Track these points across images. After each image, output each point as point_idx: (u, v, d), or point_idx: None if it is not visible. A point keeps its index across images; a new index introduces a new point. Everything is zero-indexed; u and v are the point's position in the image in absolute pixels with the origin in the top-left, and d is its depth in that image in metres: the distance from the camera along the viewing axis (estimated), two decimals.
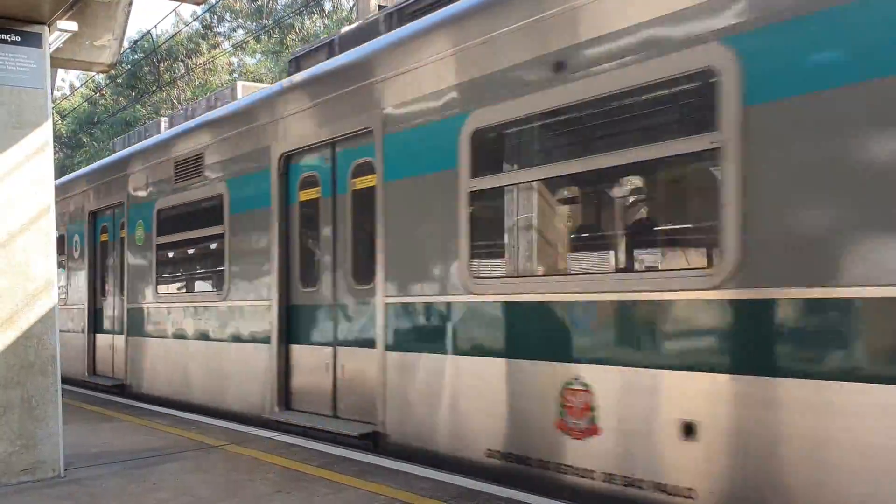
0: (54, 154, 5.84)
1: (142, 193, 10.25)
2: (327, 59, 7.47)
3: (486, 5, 5.50)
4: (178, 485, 5.32)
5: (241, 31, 31.08)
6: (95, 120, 33.35)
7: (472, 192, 5.44)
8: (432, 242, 5.73)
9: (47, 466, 5.54)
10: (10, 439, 5.41)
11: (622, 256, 4.92)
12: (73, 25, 5.82)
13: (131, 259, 10.53)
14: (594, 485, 4.67)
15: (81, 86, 34.75)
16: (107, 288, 11.77)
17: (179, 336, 9.25)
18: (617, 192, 4.98)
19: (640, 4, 4.50)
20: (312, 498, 4.88)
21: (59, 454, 5.60)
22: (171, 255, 9.73)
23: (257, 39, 28.84)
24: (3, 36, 5.50)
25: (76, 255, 12.42)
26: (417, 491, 4.91)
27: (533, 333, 5.07)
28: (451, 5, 5.90)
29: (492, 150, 5.50)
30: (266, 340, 7.47)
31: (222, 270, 8.27)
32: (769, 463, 3.92)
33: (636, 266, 4.78)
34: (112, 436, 7.24)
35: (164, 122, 11.13)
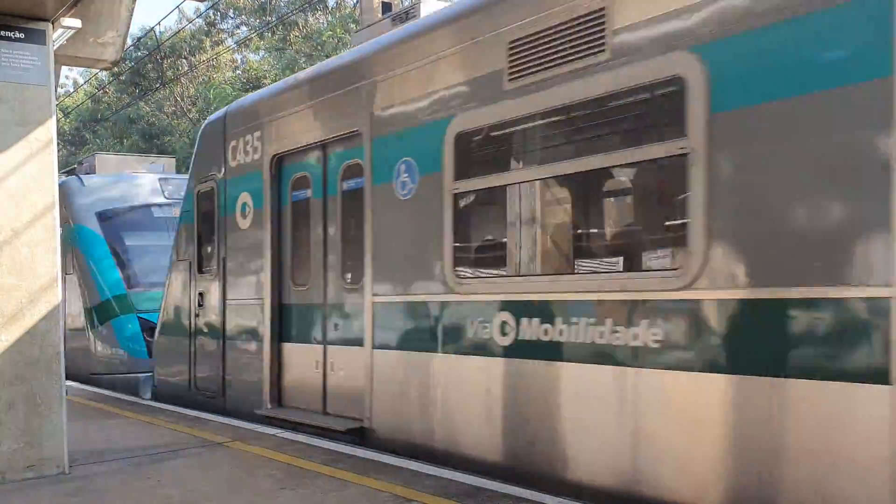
0: (58, 151, 5.84)
1: None
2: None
3: None
4: (183, 481, 5.33)
5: (244, 28, 31.09)
6: (99, 117, 33.40)
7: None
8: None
9: (52, 463, 5.56)
10: (14, 436, 5.42)
11: None
12: (76, 22, 5.81)
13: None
14: None
15: (85, 83, 34.81)
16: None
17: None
18: None
19: None
20: (316, 494, 4.89)
21: (63, 451, 5.62)
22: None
23: (261, 36, 28.84)
24: (7, 33, 5.50)
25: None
26: (420, 488, 4.91)
27: None
28: None
29: None
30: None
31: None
32: None
33: None
34: (116, 432, 7.26)
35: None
